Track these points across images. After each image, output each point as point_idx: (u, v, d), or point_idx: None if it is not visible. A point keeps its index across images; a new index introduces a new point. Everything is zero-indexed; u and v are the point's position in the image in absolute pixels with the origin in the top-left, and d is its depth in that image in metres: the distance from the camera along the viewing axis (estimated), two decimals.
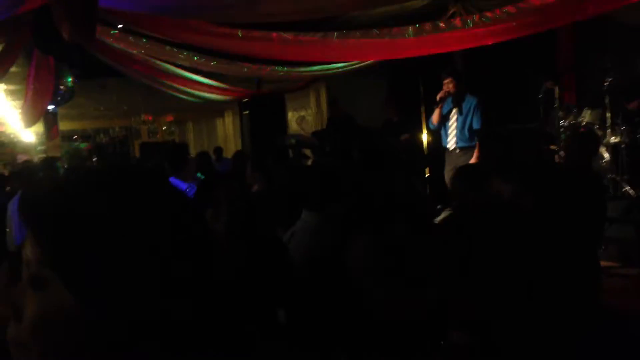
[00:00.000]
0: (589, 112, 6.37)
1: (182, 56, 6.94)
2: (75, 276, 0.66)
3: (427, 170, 7.76)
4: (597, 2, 5.07)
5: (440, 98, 6.34)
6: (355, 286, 1.68)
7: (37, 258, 0.68)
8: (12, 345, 0.69)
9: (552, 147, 6.39)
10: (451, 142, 6.38)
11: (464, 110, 6.31)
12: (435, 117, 6.45)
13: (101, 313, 0.66)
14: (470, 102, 6.30)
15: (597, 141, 5.76)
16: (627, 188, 5.91)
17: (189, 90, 8.66)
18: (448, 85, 6.36)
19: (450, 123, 6.41)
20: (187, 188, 4.52)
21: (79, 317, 0.66)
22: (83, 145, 15.38)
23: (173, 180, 4.83)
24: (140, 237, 0.68)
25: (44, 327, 0.67)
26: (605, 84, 6.19)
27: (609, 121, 6.21)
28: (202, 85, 8.54)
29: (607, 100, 6.19)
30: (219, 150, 10.63)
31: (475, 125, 6.23)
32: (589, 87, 6.99)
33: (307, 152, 9.47)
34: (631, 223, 5.26)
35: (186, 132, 16.54)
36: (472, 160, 6.05)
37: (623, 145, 6.10)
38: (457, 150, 6.31)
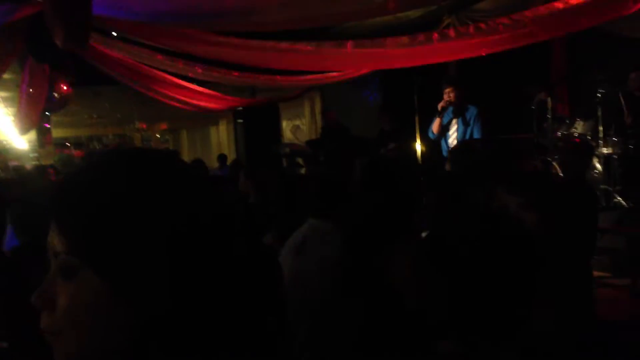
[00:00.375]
0: (581, 123, 6.40)
1: (176, 64, 6.94)
2: (103, 260, 0.68)
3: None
4: (590, 15, 5.12)
5: (442, 108, 6.29)
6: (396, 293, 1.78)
7: (64, 248, 0.69)
8: (47, 334, 0.71)
9: (547, 158, 6.41)
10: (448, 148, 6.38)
11: (465, 120, 6.26)
12: (435, 127, 6.41)
13: (130, 297, 0.68)
14: (471, 111, 6.24)
15: (592, 152, 5.79)
16: (619, 199, 5.94)
17: (183, 99, 8.66)
18: (449, 94, 6.25)
19: (450, 133, 6.35)
20: None
21: (110, 303, 0.67)
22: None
23: None
24: (162, 217, 0.69)
25: (78, 314, 0.69)
26: (597, 95, 6.23)
27: (601, 132, 6.24)
28: (196, 93, 8.54)
29: (599, 112, 6.23)
30: (222, 158, 10.61)
31: (476, 135, 6.17)
32: (582, 98, 7.04)
33: (301, 161, 9.49)
34: (623, 234, 5.28)
35: (180, 141, 16.52)
36: None
37: (615, 157, 6.14)
38: None
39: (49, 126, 10.70)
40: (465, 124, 6.24)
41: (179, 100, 8.70)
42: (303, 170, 9.30)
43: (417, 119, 7.64)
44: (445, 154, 6.44)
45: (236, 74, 7.63)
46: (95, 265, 0.68)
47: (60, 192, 0.72)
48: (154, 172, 0.72)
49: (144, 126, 13.76)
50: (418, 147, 7.92)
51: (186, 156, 15.58)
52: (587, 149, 4.83)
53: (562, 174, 4.64)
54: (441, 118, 6.33)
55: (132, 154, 0.76)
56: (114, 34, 6.36)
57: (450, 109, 6.31)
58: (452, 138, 6.33)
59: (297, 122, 11.92)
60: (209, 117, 13.69)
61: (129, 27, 5.63)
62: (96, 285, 0.67)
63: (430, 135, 6.58)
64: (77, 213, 0.69)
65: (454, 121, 6.31)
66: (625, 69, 6.46)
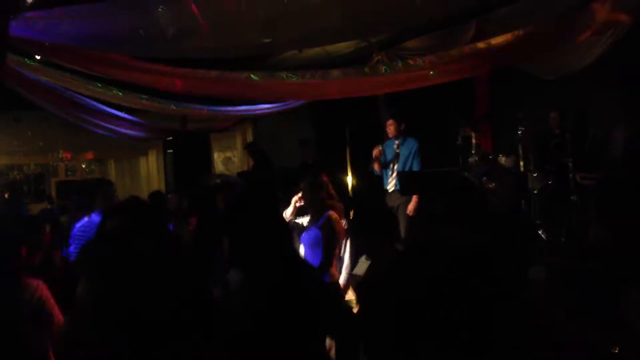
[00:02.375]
0: (503, 158, 6.65)
1: (101, 89, 6.75)
2: None
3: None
4: (511, 54, 5.39)
5: (375, 156, 6.48)
6: None
7: None
8: None
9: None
10: (391, 185, 6.53)
11: (405, 153, 6.48)
12: (376, 167, 6.60)
13: None
14: (411, 145, 6.46)
15: (525, 185, 6.02)
16: (540, 231, 6.15)
17: (109, 126, 8.41)
18: (389, 127, 6.52)
19: (391, 164, 6.55)
20: None
21: None
22: None
23: (95, 216, 4.66)
24: None
25: None
26: (518, 132, 6.50)
27: (522, 168, 6.49)
28: (123, 121, 8.32)
29: (520, 149, 6.49)
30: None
31: (415, 168, 6.42)
32: (504, 135, 7.33)
33: None
34: (543, 264, 5.45)
35: (108, 171, 15.99)
36: (412, 202, 6.22)
37: (535, 192, 6.37)
38: (396, 192, 6.45)
39: None
40: (405, 157, 6.48)
41: (105, 128, 8.44)
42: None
43: (348, 151, 7.74)
44: (385, 185, 6.60)
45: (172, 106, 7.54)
46: None
47: None
48: None
49: (69, 156, 13.27)
50: (349, 179, 8.00)
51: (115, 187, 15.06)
52: (520, 183, 5.03)
53: (500, 206, 4.77)
54: (378, 161, 6.51)
55: None
56: (37, 57, 6.13)
57: (392, 140, 6.52)
58: (393, 170, 6.54)
59: (229, 154, 11.82)
60: (137, 147, 13.35)
61: (52, 50, 5.43)
62: None
63: (374, 172, 6.73)
64: None
65: (395, 152, 6.54)
66: (544, 107, 6.80)
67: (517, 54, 5.35)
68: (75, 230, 4.95)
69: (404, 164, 6.47)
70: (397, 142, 6.54)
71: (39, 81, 6.62)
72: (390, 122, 6.52)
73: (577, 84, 6.51)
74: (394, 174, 6.49)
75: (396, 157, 6.54)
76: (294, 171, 8.14)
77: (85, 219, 4.93)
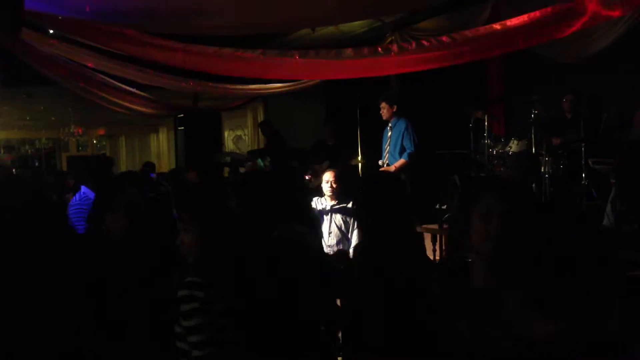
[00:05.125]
0: (515, 142, 6.61)
1: (117, 66, 6.75)
2: None
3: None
4: (526, 37, 5.32)
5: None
6: None
7: None
8: None
9: (481, 174, 6.58)
10: (383, 160, 6.78)
11: (395, 135, 6.66)
12: None
13: None
14: (400, 126, 6.59)
15: (540, 167, 5.99)
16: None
17: (122, 102, 8.42)
18: (382, 110, 6.70)
19: (385, 145, 6.78)
20: None
21: None
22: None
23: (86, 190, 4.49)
24: None
25: None
26: (531, 116, 6.46)
27: (534, 152, 6.46)
28: (136, 97, 8.33)
29: (532, 132, 6.45)
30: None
31: (407, 147, 6.56)
32: (517, 118, 7.28)
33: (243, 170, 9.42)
34: None
35: (118, 147, 16.06)
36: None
37: (547, 176, 6.35)
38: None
39: None
40: (395, 137, 6.64)
41: (117, 104, 8.46)
42: None
43: (359, 132, 7.73)
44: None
45: (184, 83, 7.54)
46: None
47: None
48: None
49: (80, 131, 13.30)
50: (360, 160, 8.00)
51: (124, 164, 15.14)
52: (536, 165, 5.00)
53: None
54: None
55: None
56: (51, 31, 6.13)
57: (386, 124, 6.75)
58: (386, 152, 6.74)
59: (240, 133, 11.83)
60: (148, 124, 13.38)
61: (67, 24, 5.44)
62: None
63: None
64: None
65: (389, 135, 6.73)
66: (557, 92, 6.74)
67: (534, 36, 5.28)
68: (70, 209, 4.47)
69: (395, 145, 6.63)
70: (390, 124, 6.71)
71: (52, 56, 6.63)
72: (382, 105, 6.66)
73: (592, 68, 6.44)
74: (386, 156, 6.69)
75: (388, 139, 6.71)
76: (309, 151, 8.20)
77: (77, 196, 4.49)
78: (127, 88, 7.92)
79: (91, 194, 4.19)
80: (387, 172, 6.03)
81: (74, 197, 4.49)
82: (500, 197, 1.92)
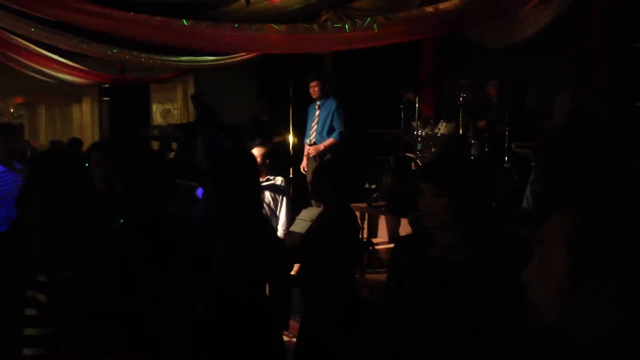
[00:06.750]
0: (444, 124, 6.76)
1: (38, 31, 6.38)
2: None
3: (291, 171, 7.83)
4: (457, 21, 5.45)
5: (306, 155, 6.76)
6: None
7: None
8: None
9: (409, 154, 6.71)
10: (310, 139, 6.73)
11: (323, 115, 6.64)
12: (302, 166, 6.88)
13: None
14: (330, 105, 6.59)
15: (469, 150, 6.16)
16: None
17: (43, 69, 7.99)
18: (313, 88, 6.65)
19: (312, 124, 6.74)
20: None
21: None
22: None
23: None
24: None
25: None
26: (460, 100, 6.62)
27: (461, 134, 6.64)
28: (58, 64, 7.92)
29: (460, 115, 6.62)
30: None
31: (337, 126, 6.58)
32: (446, 101, 7.46)
33: (174, 145, 9.22)
34: None
35: (37, 118, 15.26)
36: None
37: (472, 158, 6.54)
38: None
39: None
40: (324, 116, 6.62)
41: (37, 71, 8.02)
42: (173, 155, 9.03)
43: (291, 109, 7.70)
44: (306, 138, 6.83)
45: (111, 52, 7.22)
46: None
47: None
48: None
49: None
50: (291, 138, 7.98)
51: (44, 135, 14.41)
52: (466, 148, 5.15)
53: None
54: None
55: None
56: None
57: (315, 103, 6.69)
58: (313, 129, 6.71)
59: (169, 106, 11.53)
60: (71, 94, 12.75)
61: None
62: None
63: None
64: None
65: (317, 113, 6.68)
66: (486, 77, 6.95)
67: (465, 21, 5.41)
68: None
69: (323, 124, 6.63)
70: (318, 103, 6.68)
71: None
72: (313, 83, 6.62)
73: (520, 54, 6.67)
74: (313, 134, 6.67)
75: (316, 117, 6.69)
76: (242, 127, 8.12)
77: None
78: (50, 55, 7.53)
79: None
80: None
81: None
82: (425, 178, 2.11)
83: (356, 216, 3.59)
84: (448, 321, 1.94)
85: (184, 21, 5.62)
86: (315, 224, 3.37)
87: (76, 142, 8.93)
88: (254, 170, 2.79)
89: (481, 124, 6.69)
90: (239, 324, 2.43)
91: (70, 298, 1.90)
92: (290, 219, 5.17)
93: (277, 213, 4.93)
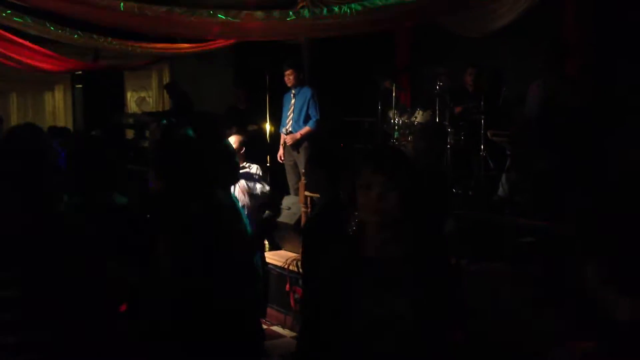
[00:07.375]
0: (420, 112, 6.79)
1: (6, 15, 6.23)
2: None
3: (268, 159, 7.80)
4: (434, 10, 5.45)
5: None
6: None
7: None
8: None
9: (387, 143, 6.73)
10: (286, 127, 6.74)
11: (299, 103, 6.65)
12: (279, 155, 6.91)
13: None
14: (305, 93, 6.63)
15: (446, 138, 6.19)
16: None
17: (12, 55, 7.79)
18: (288, 77, 6.65)
19: (288, 113, 6.75)
20: None
21: None
22: None
23: None
24: None
25: None
26: (437, 88, 6.65)
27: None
28: (29, 51, 7.74)
29: (437, 103, 6.65)
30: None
31: (313, 115, 6.60)
32: (423, 89, 7.48)
33: (148, 133, 9.08)
34: (453, 216, 5.68)
35: (8, 105, 14.94)
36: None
37: (448, 147, 6.58)
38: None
39: None
40: (300, 105, 6.63)
41: (7, 57, 7.82)
42: (147, 143, 8.91)
43: (268, 97, 7.66)
44: (281, 127, 6.86)
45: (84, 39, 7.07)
46: None
47: None
48: None
49: None
50: (268, 127, 7.95)
51: (16, 124, 14.12)
52: (442, 136, 5.18)
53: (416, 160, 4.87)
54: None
55: None
56: None
57: (290, 91, 6.71)
58: (289, 118, 6.73)
59: (143, 94, 11.37)
60: (43, 81, 12.48)
61: None
62: None
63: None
64: None
65: (292, 102, 6.69)
66: (463, 65, 6.98)
67: (441, 9, 5.42)
68: None
69: (299, 113, 6.64)
70: (293, 91, 6.68)
71: None
72: (289, 71, 6.63)
73: (496, 43, 6.71)
74: (289, 123, 6.68)
75: (291, 106, 6.70)
76: (219, 115, 8.03)
77: None
78: (20, 40, 7.35)
79: None
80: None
81: None
82: (377, 169, 1.87)
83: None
84: (399, 324, 1.80)
85: (159, 8, 5.55)
86: (316, 214, 3.45)
87: (64, 132, 8.37)
88: (202, 162, 2.73)
89: (457, 109, 6.73)
90: (204, 320, 2.42)
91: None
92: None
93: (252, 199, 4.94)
